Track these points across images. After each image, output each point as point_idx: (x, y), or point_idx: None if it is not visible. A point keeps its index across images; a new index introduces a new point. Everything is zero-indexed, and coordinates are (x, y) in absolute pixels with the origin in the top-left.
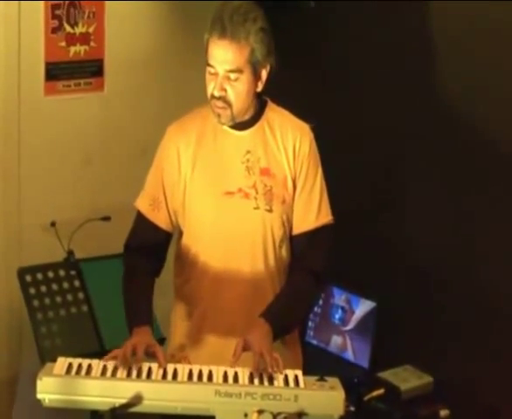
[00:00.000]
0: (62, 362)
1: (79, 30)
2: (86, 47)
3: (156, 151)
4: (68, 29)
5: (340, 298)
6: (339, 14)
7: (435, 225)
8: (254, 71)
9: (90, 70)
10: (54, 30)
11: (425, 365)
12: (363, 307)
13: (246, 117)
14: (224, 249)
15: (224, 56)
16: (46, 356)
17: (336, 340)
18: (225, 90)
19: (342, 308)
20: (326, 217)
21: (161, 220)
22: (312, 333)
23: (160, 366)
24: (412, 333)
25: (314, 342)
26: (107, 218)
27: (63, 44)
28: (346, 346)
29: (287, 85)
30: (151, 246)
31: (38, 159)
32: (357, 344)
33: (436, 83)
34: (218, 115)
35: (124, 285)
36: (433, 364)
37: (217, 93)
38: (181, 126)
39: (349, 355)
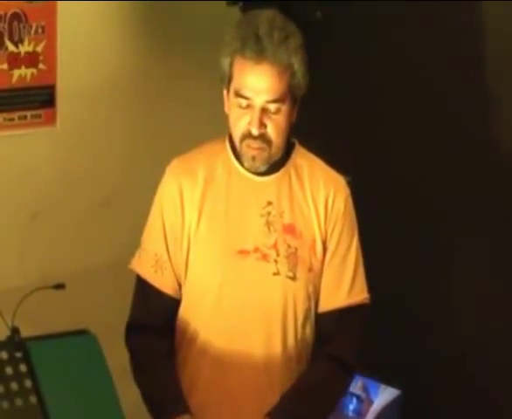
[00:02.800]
0: None
1: (25, 48)
2: (34, 70)
3: (121, 203)
4: (11, 47)
5: (355, 385)
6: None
7: (477, 299)
8: (293, 97)
9: (38, 99)
10: None
11: None
12: (384, 396)
13: (277, 157)
14: (231, 322)
15: (263, 84)
16: None
17: None
18: (265, 126)
19: (358, 397)
20: (360, 295)
21: (167, 285)
22: None
23: None
24: None
25: None
26: (60, 286)
27: (4, 66)
28: None
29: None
30: (164, 320)
31: None
32: None
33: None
34: (253, 158)
35: (142, 374)
36: None
37: (256, 132)
38: (185, 162)
39: None
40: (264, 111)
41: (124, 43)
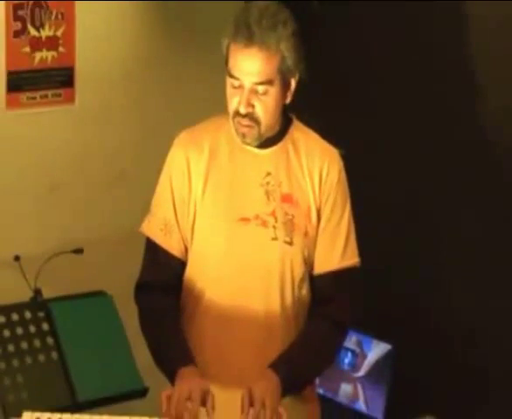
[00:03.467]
0: (28, 417)
1: (46, 33)
2: (54, 53)
3: (135, 176)
4: (33, 32)
5: (350, 340)
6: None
7: (465, 267)
8: (284, 80)
9: (59, 79)
10: (17, 34)
11: (448, 416)
12: (377, 350)
13: (270, 134)
14: (234, 283)
15: (251, 67)
16: (11, 411)
17: (346, 389)
18: (253, 106)
19: (353, 352)
20: (352, 258)
21: (174, 247)
22: (318, 381)
23: (208, 414)
24: (435, 379)
25: (321, 391)
26: (78, 251)
27: (27, 49)
28: (357, 395)
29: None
30: (171, 280)
31: None
32: (370, 393)
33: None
34: (243, 135)
35: (154, 329)
36: (457, 415)
37: (243, 110)
38: (192, 135)
39: (361, 406)
40: (253, 92)
41: (137, 28)
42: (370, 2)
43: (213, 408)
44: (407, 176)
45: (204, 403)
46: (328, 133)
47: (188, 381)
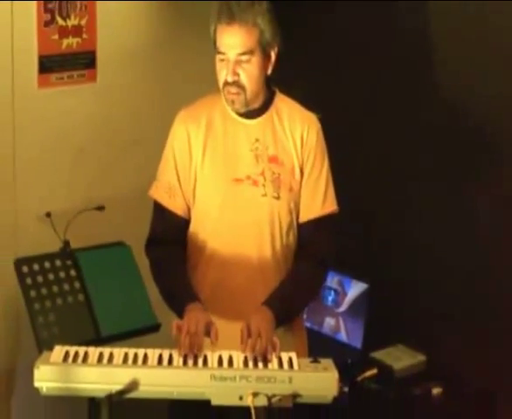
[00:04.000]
0: (59, 350)
1: (72, 22)
2: (79, 39)
3: (149, 142)
4: (60, 22)
5: (332, 280)
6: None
7: (425, 209)
8: (264, 52)
9: (83, 62)
10: (47, 24)
11: (417, 344)
12: (356, 289)
13: (256, 105)
14: (231, 234)
15: (234, 40)
16: (44, 345)
17: (329, 322)
18: (238, 74)
19: (335, 290)
20: (331, 206)
21: (178, 207)
22: (305, 316)
23: (212, 343)
24: (404, 312)
25: (308, 324)
26: (101, 208)
27: (55, 36)
28: (339, 327)
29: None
30: (176, 235)
31: (33, 150)
32: (350, 325)
33: (432, 77)
34: (232, 101)
35: (163, 276)
36: (426, 343)
37: (230, 79)
38: (190, 111)
39: (343, 336)
40: (237, 62)
41: (150, 16)
42: None
43: (216, 337)
44: (378, 131)
45: (208, 334)
46: (309, 100)
47: (194, 315)
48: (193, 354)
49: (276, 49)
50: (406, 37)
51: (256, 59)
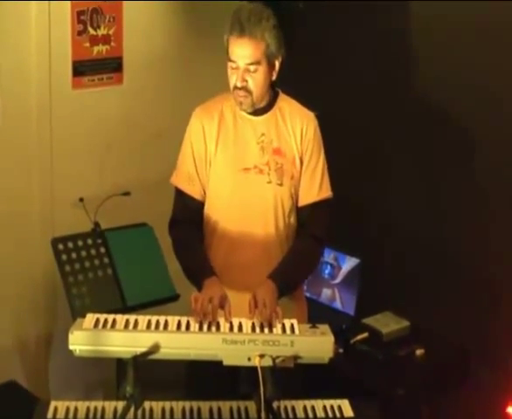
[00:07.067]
0: (90, 318)
1: (101, 32)
2: (108, 47)
3: (169, 136)
4: (92, 31)
5: (329, 256)
6: (326, 14)
7: (408, 196)
8: (269, 62)
9: (111, 66)
10: (80, 33)
11: (402, 311)
12: (349, 263)
13: (262, 105)
14: (240, 216)
15: (243, 52)
16: (77, 313)
17: (326, 292)
18: (246, 81)
19: (331, 265)
20: (326, 192)
21: (197, 192)
22: (305, 287)
23: (226, 320)
24: (392, 284)
25: (308, 294)
26: (127, 193)
27: (87, 44)
28: (335, 297)
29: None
30: (195, 217)
31: (68, 144)
32: (344, 295)
33: (415, 76)
34: (240, 103)
35: (184, 253)
36: (410, 310)
37: (239, 84)
38: (205, 108)
39: (338, 305)
40: (246, 70)
41: (171, 26)
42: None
43: (230, 311)
44: (368, 125)
45: (222, 306)
46: (308, 99)
47: (210, 288)
48: (207, 322)
49: (280, 58)
50: (392, 37)
51: (262, 69)
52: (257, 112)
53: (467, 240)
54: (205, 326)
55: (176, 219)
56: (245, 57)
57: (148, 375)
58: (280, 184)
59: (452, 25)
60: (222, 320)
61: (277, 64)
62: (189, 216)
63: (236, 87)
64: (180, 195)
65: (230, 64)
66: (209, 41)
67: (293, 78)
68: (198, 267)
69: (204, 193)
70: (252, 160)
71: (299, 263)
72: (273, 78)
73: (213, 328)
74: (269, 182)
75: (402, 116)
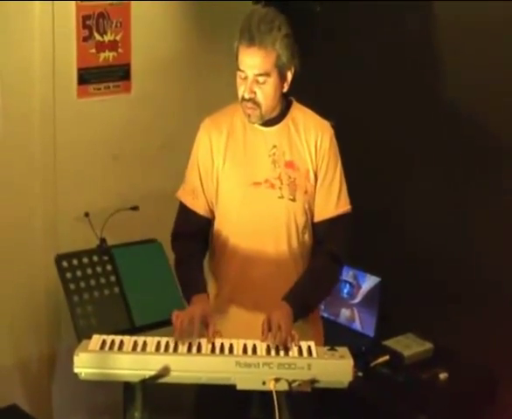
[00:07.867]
0: (97, 339)
1: (108, 38)
2: (115, 53)
3: (179, 146)
4: (98, 37)
5: (347, 274)
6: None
7: (432, 210)
8: (280, 73)
9: (118, 74)
10: (85, 39)
11: (425, 333)
12: (369, 282)
13: (273, 115)
14: (250, 232)
15: (253, 61)
16: (82, 334)
17: (345, 313)
18: (255, 92)
19: (350, 284)
20: (345, 206)
21: (200, 207)
22: (323, 307)
23: (208, 340)
24: (413, 304)
25: (325, 315)
26: (135, 208)
27: (93, 51)
28: (354, 317)
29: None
30: (197, 232)
31: (72, 155)
32: (364, 315)
33: (438, 80)
34: (248, 115)
35: (180, 267)
36: (433, 332)
37: (247, 96)
38: (213, 120)
39: (357, 326)
40: (254, 81)
41: (179, 32)
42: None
43: (214, 331)
44: (388, 134)
45: (206, 325)
46: (324, 109)
47: (195, 304)
48: (186, 342)
49: (293, 69)
50: (412, 39)
51: (272, 80)
52: (268, 122)
53: (495, 256)
54: (218, 349)
55: (175, 233)
56: (254, 67)
57: (157, 400)
58: (293, 199)
59: (479, 25)
60: (235, 342)
61: (289, 75)
62: (189, 230)
63: (244, 99)
64: (184, 209)
65: (239, 73)
66: (222, 46)
67: (306, 86)
68: (189, 282)
69: (209, 208)
70: (263, 173)
71: (316, 283)
72: (285, 90)
73: (226, 350)
74: (281, 197)
75: (422, 125)
